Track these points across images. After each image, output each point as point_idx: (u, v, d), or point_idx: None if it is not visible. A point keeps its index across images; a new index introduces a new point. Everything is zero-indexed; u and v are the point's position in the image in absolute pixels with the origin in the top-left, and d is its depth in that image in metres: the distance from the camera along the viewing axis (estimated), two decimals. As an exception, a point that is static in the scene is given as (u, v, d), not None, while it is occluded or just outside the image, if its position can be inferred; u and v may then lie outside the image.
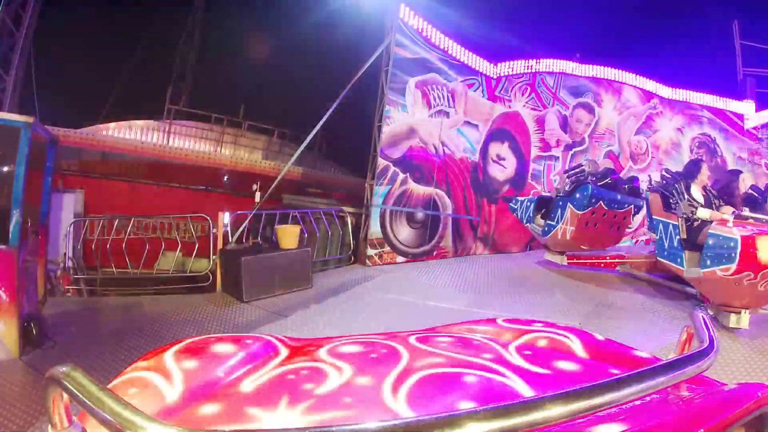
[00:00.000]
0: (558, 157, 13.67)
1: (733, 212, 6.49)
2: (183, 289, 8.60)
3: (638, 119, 14.91)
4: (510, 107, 13.00)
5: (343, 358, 1.77)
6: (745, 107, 15.72)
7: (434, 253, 11.55)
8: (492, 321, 2.35)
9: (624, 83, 14.64)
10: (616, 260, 9.99)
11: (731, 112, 15.68)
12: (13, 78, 11.73)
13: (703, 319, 1.69)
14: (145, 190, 12.94)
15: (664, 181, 7.76)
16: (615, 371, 1.75)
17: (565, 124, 13.86)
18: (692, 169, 7.48)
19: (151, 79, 19.36)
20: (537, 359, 1.83)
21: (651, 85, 15.05)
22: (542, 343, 2.03)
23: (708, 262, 6.14)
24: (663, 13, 17.58)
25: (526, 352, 1.89)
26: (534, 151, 13.35)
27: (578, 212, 9.39)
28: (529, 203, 10.87)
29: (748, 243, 5.61)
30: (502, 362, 1.78)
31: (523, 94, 13.16)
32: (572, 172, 10.35)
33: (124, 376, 1.66)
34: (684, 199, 7.12)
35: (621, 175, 12.73)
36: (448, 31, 11.63)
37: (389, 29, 10.73)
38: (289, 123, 18.02)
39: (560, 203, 9.80)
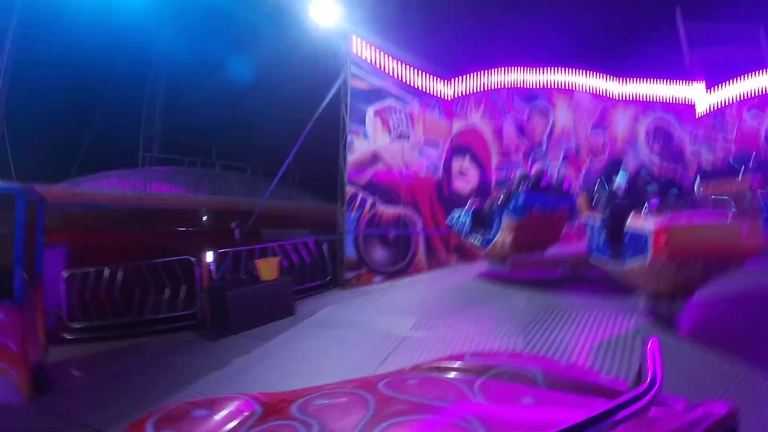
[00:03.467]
0: (518, 162, 14.32)
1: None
2: (175, 328, 9.07)
3: (592, 116, 15.66)
4: (467, 122, 13.85)
5: (313, 414, 1.86)
6: (695, 90, 16.28)
7: (409, 269, 12.19)
8: (460, 357, 2.45)
9: (574, 86, 15.44)
10: (556, 262, 10.34)
11: (682, 97, 16.27)
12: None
13: (651, 352, 1.72)
14: (129, 237, 13.38)
15: (588, 181, 8.17)
16: (576, 401, 1.92)
17: (522, 131, 14.64)
18: (611, 167, 7.96)
19: (119, 128, 19.69)
20: (499, 397, 1.96)
21: (600, 82, 15.80)
22: (506, 377, 2.12)
23: (627, 256, 6.48)
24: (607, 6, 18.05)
25: (490, 390, 2.00)
26: (495, 159, 14.12)
27: (514, 221, 9.62)
28: (464, 217, 11.14)
29: (659, 233, 5.82)
30: (464, 404, 1.89)
31: (478, 108, 13.98)
32: (503, 182, 10.65)
33: None
34: (604, 197, 7.48)
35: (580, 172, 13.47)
36: (401, 55, 12.43)
37: (343, 63, 11.50)
38: (260, 159, 18.59)
39: (496, 214, 10.07)
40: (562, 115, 15.22)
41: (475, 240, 10.77)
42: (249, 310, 8.67)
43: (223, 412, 1.94)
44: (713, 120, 15.99)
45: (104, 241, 12.43)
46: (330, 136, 11.83)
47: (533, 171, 10.38)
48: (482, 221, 10.60)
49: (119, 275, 9.52)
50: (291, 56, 14.17)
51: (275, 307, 9.05)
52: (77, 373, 7.28)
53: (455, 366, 2.30)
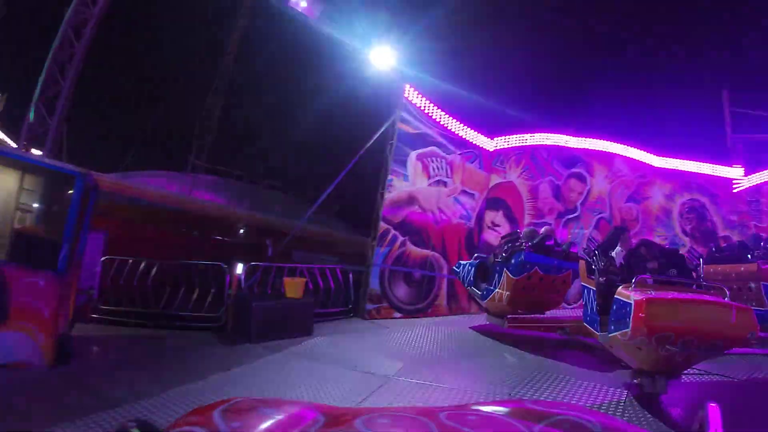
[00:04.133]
0: (551, 224, 14.30)
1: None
2: (197, 327, 9.41)
3: (629, 187, 15.79)
4: (505, 178, 14.20)
5: (378, 429, 1.89)
6: (734, 172, 16.32)
7: (429, 310, 12.36)
8: (520, 402, 2.52)
9: (615, 154, 15.65)
10: (555, 324, 10.11)
11: (720, 177, 16.30)
12: (56, 121, 12.92)
13: (712, 418, 1.73)
14: (168, 236, 13.87)
15: (588, 249, 8.13)
16: None
17: (558, 193, 14.89)
18: (612, 237, 7.94)
19: (175, 130, 20.49)
20: None
21: (641, 155, 15.98)
22: (565, 426, 2.09)
23: (612, 327, 6.26)
24: (653, 83, 18.49)
25: None
26: (527, 219, 14.34)
27: (514, 278, 9.49)
28: (470, 267, 11.05)
29: (640, 306, 5.57)
30: None
31: (517, 166, 14.35)
32: (508, 238, 10.52)
33: (177, 429, 1.83)
34: (600, 266, 7.39)
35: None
36: (448, 107, 12.97)
37: (395, 106, 12.09)
38: (303, 184, 19.15)
39: (497, 268, 9.99)
40: (599, 183, 15.41)
41: (476, 292, 10.72)
42: (271, 322, 9.03)
43: (288, 414, 1.99)
44: (748, 205, 15.95)
45: (144, 235, 12.95)
46: (372, 173, 12.30)
47: (542, 231, 10.31)
48: (485, 273, 10.56)
49: (154, 269, 9.98)
50: (347, 94, 14.79)
51: (295, 324, 9.38)
52: (96, 349, 7.67)
53: (515, 408, 2.30)
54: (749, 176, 16.13)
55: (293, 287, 9.80)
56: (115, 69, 18.71)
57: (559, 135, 14.99)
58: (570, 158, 15.09)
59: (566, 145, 15.04)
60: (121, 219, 13.20)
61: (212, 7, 17.60)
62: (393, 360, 8.08)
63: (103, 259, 9.86)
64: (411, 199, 12.17)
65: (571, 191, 15.10)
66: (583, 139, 15.28)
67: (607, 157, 15.53)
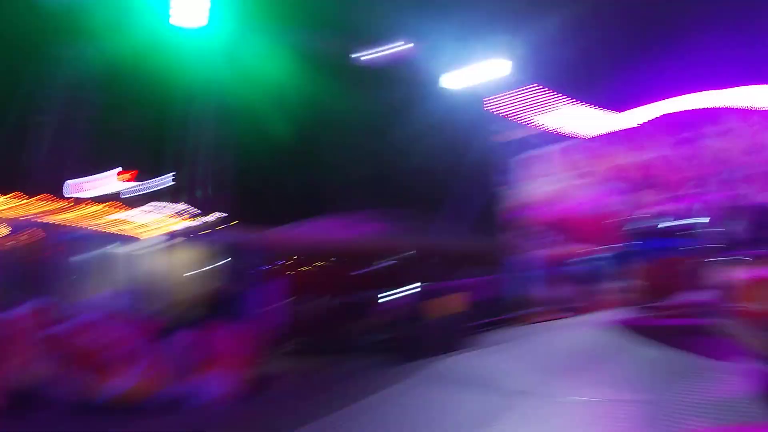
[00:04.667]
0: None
1: None
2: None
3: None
4: (647, 154, 13.53)
5: None
6: None
7: (592, 308, 12.15)
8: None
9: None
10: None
11: None
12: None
13: None
14: (338, 271, 15.26)
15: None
16: None
17: (701, 158, 13.49)
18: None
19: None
20: None
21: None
22: None
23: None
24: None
25: None
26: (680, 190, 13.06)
27: (644, 265, 9.34)
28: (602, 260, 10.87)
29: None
30: None
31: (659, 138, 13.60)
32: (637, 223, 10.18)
33: None
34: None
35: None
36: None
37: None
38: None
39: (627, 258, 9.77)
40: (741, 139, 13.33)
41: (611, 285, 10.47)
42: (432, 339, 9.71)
43: None
44: None
45: (316, 277, 14.48)
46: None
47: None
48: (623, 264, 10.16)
49: (329, 303, 11.32)
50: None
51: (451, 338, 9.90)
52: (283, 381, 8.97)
53: None
54: None
55: (454, 302, 10.48)
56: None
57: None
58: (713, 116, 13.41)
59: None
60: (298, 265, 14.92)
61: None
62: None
63: (286, 301, 11.38)
64: (552, 199, 12.28)
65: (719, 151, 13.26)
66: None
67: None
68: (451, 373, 8.29)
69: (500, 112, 12.80)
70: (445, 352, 9.33)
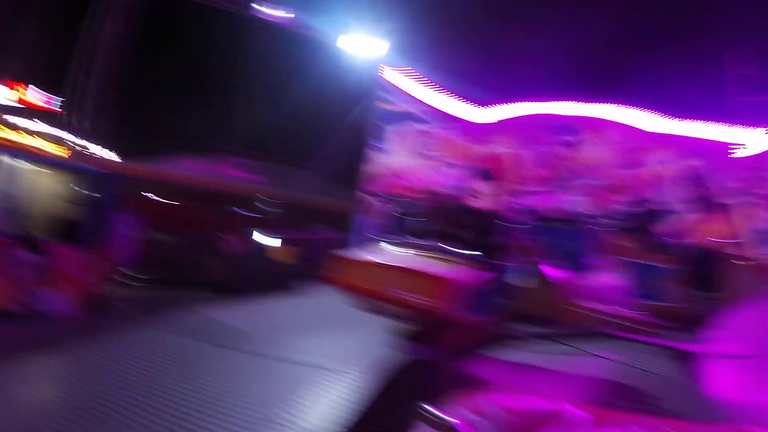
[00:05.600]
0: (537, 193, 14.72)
1: None
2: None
3: (621, 153, 15.51)
4: (493, 147, 15.07)
5: None
6: (739, 134, 15.31)
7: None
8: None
9: (607, 121, 15.56)
10: None
11: (722, 141, 15.46)
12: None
13: None
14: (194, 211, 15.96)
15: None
16: None
17: (547, 161, 15.30)
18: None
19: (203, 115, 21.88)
20: None
21: (637, 118, 15.52)
22: None
23: None
24: (653, 42, 16.73)
25: None
26: (516, 187, 14.37)
27: None
28: None
29: None
30: None
31: (507, 135, 15.18)
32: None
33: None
34: None
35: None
36: (431, 80, 14.33)
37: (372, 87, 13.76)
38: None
39: None
40: (591, 150, 15.39)
41: None
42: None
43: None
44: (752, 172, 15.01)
45: (173, 213, 15.08)
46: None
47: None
48: None
49: (177, 241, 12.18)
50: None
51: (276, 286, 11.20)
52: (122, 305, 9.80)
53: None
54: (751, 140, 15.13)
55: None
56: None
57: (548, 99, 15.35)
58: (561, 125, 15.36)
59: (556, 110, 15.38)
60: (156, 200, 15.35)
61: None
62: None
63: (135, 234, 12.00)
64: (395, 173, 13.71)
65: (562, 159, 15.30)
66: (574, 102, 15.40)
67: (599, 122, 15.55)
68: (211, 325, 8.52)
69: (388, 82, 13.84)
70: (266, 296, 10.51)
